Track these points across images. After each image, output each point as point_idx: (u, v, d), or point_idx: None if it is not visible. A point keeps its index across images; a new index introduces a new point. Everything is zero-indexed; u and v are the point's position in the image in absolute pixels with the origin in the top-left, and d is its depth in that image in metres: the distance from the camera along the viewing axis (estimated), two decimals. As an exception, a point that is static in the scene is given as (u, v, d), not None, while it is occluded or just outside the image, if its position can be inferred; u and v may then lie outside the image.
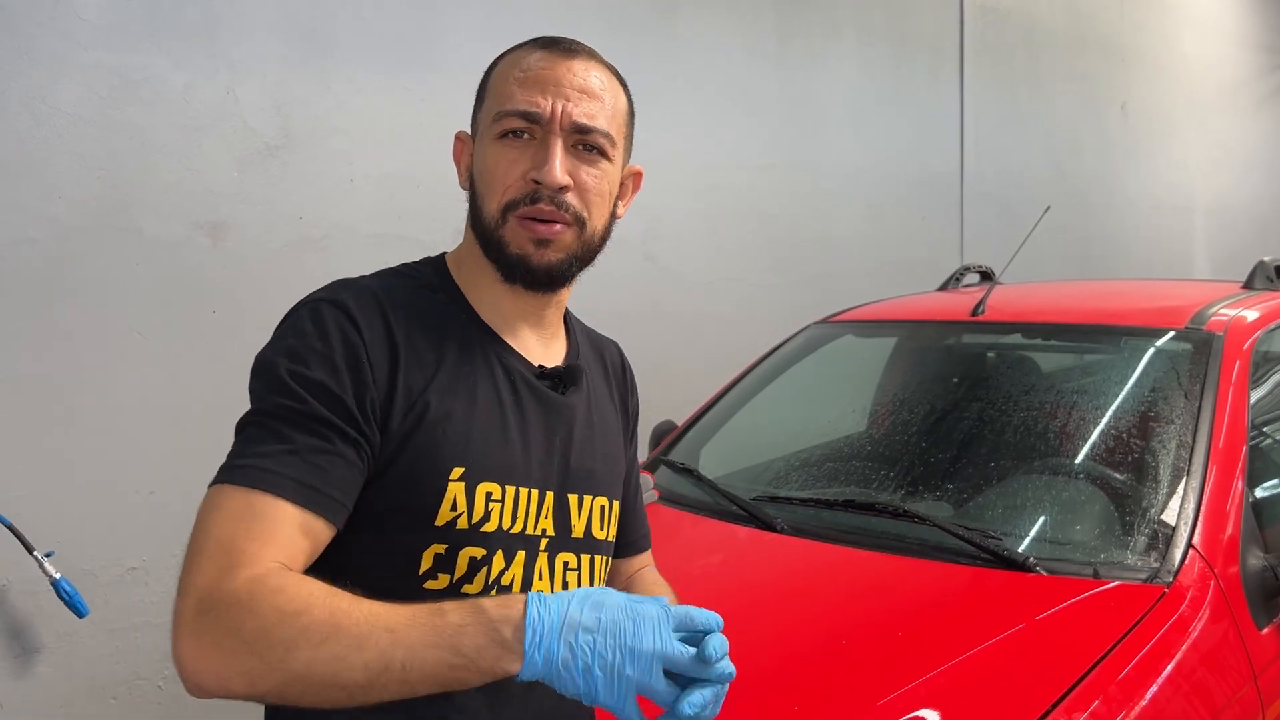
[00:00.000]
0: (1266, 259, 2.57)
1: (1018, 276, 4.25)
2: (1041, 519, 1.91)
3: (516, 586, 1.07)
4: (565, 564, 1.13)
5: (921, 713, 1.43)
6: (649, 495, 2.29)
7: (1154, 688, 1.54)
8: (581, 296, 3.84)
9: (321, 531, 0.98)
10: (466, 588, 1.04)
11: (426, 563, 1.04)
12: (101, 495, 2.48)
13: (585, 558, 1.16)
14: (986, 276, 2.99)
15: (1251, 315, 2.25)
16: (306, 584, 0.89)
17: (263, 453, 0.98)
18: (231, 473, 0.97)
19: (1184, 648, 1.61)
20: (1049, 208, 3.17)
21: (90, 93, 2.44)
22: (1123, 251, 6.27)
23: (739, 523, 2.06)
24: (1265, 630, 1.74)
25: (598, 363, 1.30)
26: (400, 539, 1.04)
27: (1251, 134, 7.84)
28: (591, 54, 1.14)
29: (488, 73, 1.16)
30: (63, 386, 2.41)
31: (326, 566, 0.99)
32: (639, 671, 0.83)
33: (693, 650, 0.85)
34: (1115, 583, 1.67)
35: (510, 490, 1.07)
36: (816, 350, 2.68)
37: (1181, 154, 6.92)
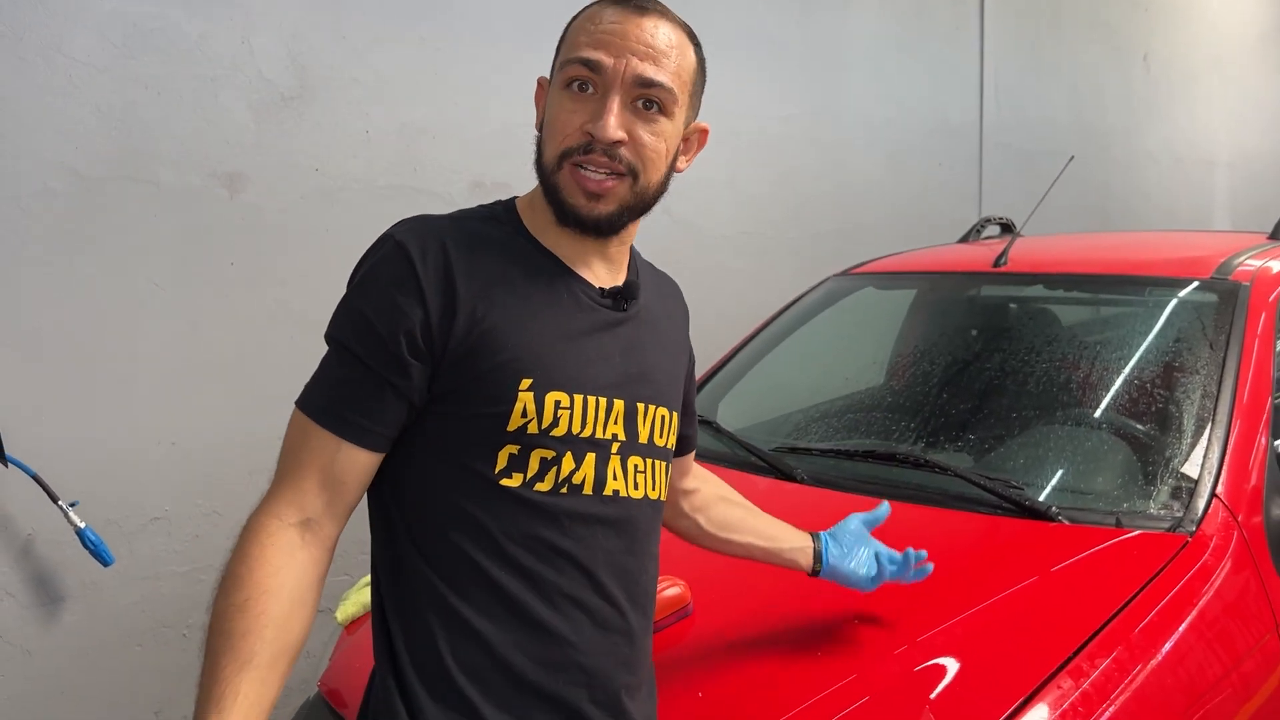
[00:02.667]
0: (1294, 209, 2.54)
1: (1035, 230, 4.22)
2: (1063, 469, 1.90)
3: (588, 486, 1.16)
4: (635, 466, 1.22)
5: (941, 660, 1.44)
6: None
7: (1176, 635, 1.54)
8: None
9: (356, 454, 1.12)
10: (539, 485, 1.14)
11: (501, 462, 1.13)
12: (123, 446, 2.51)
13: (649, 461, 1.24)
14: (1007, 229, 2.96)
15: (1278, 266, 2.22)
16: (268, 579, 1.06)
17: (317, 380, 1.16)
18: (302, 395, 1.16)
19: (1207, 596, 1.61)
20: (1073, 157, 3.12)
21: (105, 41, 2.42)
22: (1143, 204, 6.21)
23: (759, 474, 2.06)
24: (1288, 579, 1.74)
25: (660, 290, 1.37)
26: (478, 440, 1.13)
27: (1276, 88, 7.71)
28: (664, 11, 1.18)
29: (567, 27, 1.20)
30: (83, 338, 2.42)
31: (421, 455, 1.15)
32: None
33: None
34: (1138, 532, 1.67)
35: (579, 399, 1.15)
36: (837, 303, 2.67)
37: (1204, 107, 6.82)
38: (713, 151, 3.82)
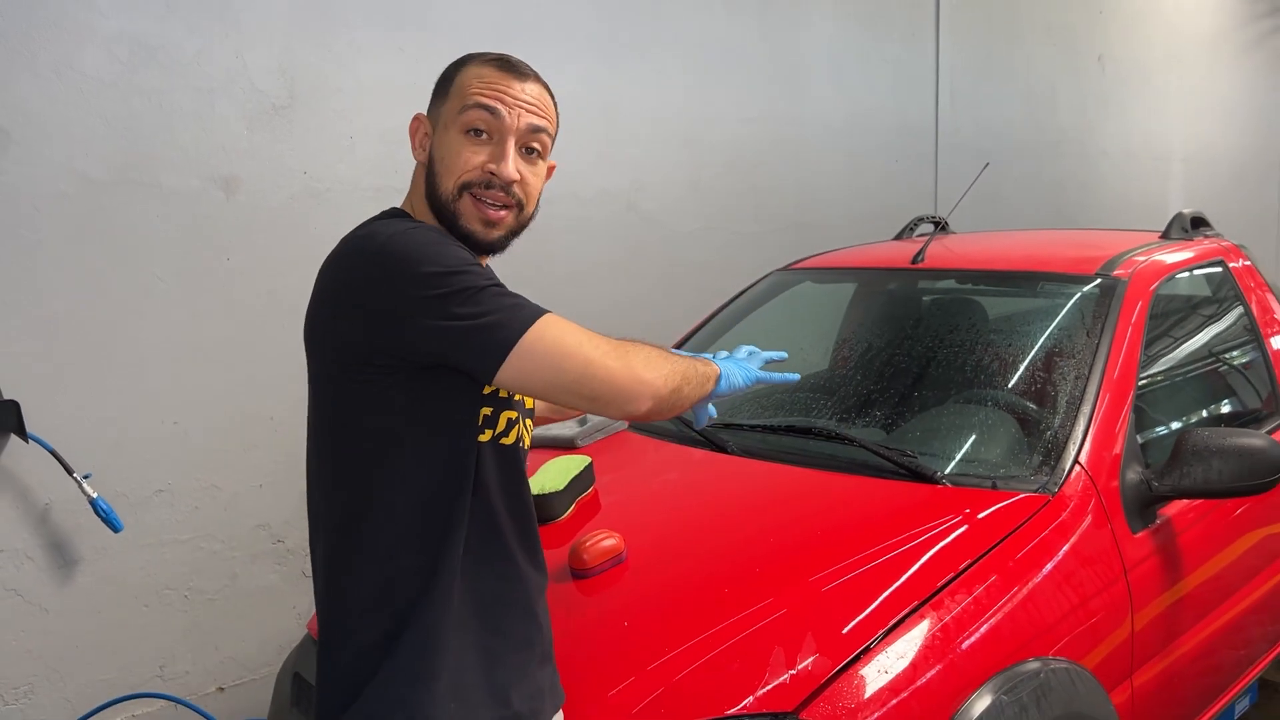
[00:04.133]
0: (1185, 211, 2.82)
1: (989, 226, 4.48)
2: (954, 440, 2.18)
3: (526, 442, 1.48)
4: (527, 426, 1.51)
5: (834, 590, 1.72)
6: (620, 424, 2.57)
7: (1037, 579, 1.83)
8: (568, 245, 4.12)
9: None
10: (503, 440, 1.40)
11: (479, 419, 1.36)
12: (131, 424, 2.76)
13: (528, 422, 1.53)
14: (939, 226, 3.23)
15: (1159, 263, 2.50)
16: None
17: (509, 303, 1.30)
18: (536, 310, 1.30)
19: (1064, 548, 1.90)
20: (988, 164, 3.40)
21: (112, 58, 2.67)
22: (1096, 200, 6.48)
23: (696, 446, 2.34)
24: (1139, 534, 2.03)
25: None
26: (466, 402, 1.35)
27: (1232, 83, 7.98)
28: (537, 77, 1.45)
29: (450, 74, 1.43)
30: (95, 326, 2.68)
31: (420, 407, 1.31)
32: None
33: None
34: (1010, 492, 1.95)
35: None
36: (777, 296, 2.94)
37: (1159, 103, 7.09)
38: (678, 152, 4.12)
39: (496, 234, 1.40)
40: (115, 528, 2.67)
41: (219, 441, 2.92)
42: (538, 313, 1.29)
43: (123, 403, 2.74)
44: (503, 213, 1.39)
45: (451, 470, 1.33)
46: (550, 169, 1.50)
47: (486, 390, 1.35)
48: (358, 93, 3.14)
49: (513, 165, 1.38)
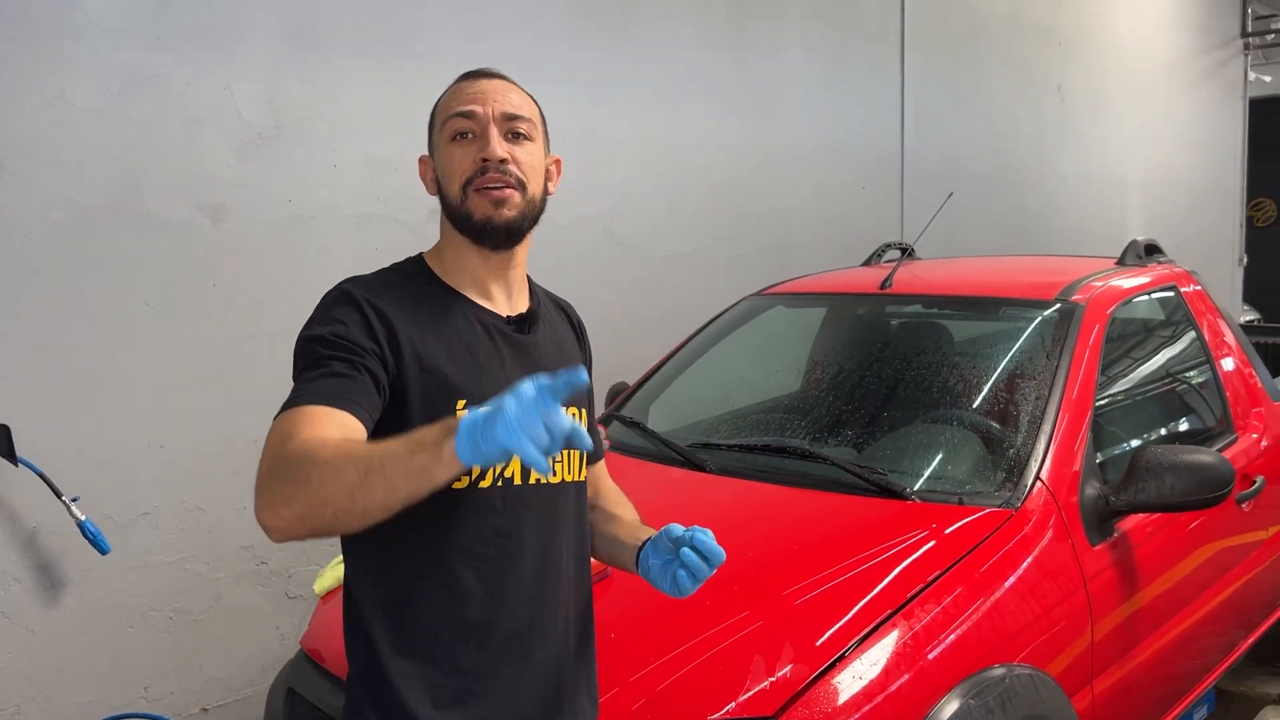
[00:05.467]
0: (1139, 238, 2.95)
1: (952, 251, 4.62)
2: (922, 458, 2.29)
3: (517, 479, 1.42)
4: (553, 459, 1.45)
5: (808, 602, 1.81)
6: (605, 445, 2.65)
7: (1001, 590, 1.93)
8: (548, 269, 4.25)
9: (350, 422, 1.27)
10: (481, 483, 1.39)
11: None
12: (119, 447, 2.80)
13: (566, 453, 1.49)
14: (906, 253, 3.34)
15: (1115, 288, 2.63)
16: (325, 432, 1.22)
17: (299, 386, 1.31)
18: (282, 406, 1.30)
19: (1027, 561, 2.00)
20: (951, 194, 3.53)
21: (103, 90, 2.74)
22: (1056, 225, 6.66)
23: (676, 466, 2.42)
24: (1098, 546, 2.13)
25: (559, 315, 1.64)
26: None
27: (1186, 111, 8.22)
28: (506, 76, 1.51)
29: (434, 108, 1.50)
30: (84, 351, 2.72)
31: None
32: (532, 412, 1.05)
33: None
34: (975, 508, 2.06)
35: None
36: (751, 320, 3.04)
37: (1117, 132, 7.30)
38: (655, 179, 4.23)
39: (508, 213, 1.43)
40: (102, 550, 2.70)
41: (204, 465, 2.97)
42: (287, 405, 1.28)
43: (110, 426, 2.79)
44: (506, 191, 1.42)
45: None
46: (556, 163, 1.55)
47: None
48: (342, 122, 3.22)
49: (497, 145, 1.42)
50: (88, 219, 2.72)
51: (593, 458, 1.70)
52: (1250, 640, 2.89)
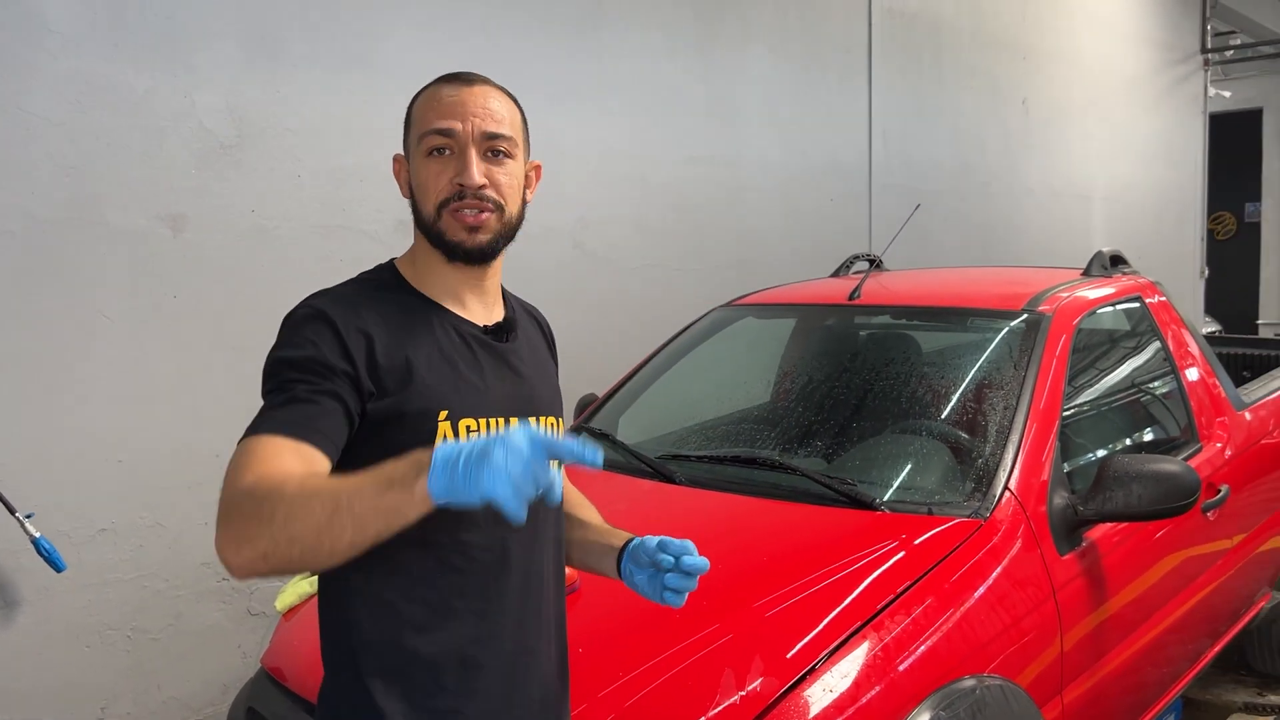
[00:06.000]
0: (1104, 249, 2.97)
1: (920, 262, 4.64)
2: (891, 468, 2.28)
3: None
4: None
5: (779, 614, 1.79)
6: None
7: (971, 600, 1.92)
8: (518, 282, 4.21)
9: (313, 455, 1.23)
10: None
11: None
12: (75, 462, 2.74)
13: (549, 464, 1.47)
14: (874, 264, 3.35)
15: (1080, 299, 2.64)
16: (289, 466, 1.18)
17: (263, 412, 1.28)
18: (246, 431, 1.26)
19: (996, 571, 1.99)
20: (919, 206, 3.55)
21: (61, 98, 2.69)
22: (1022, 237, 6.72)
23: (645, 477, 2.40)
24: (1066, 556, 2.13)
25: (531, 322, 1.62)
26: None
27: (1149, 126, 8.34)
28: (488, 81, 1.45)
29: (410, 106, 1.45)
30: (40, 364, 2.67)
31: None
32: (521, 462, 1.02)
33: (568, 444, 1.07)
34: (945, 518, 2.05)
35: (483, 421, 1.38)
36: (720, 331, 3.03)
37: (1081, 145, 7.39)
38: (623, 191, 4.22)
39: (482, 238, 1.40)
40: (58, 568, 2.64)
41: (164, 479, 2.91)
42: (249, 432, 1.25)
43: (67, 441, 2.73)
44: (482, 216, 1.39)
45: None
46: (535, 169, 1.52)
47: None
48: (305, 132, 3.18)
49: (476, 171, 1.38)
50: (44, 230, 2.67)
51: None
52: (1217, 648, 2.90)
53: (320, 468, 1.23)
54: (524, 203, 1.47)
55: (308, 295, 1.41)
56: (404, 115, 1.47)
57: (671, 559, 1.37)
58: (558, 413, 1.55)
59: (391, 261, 1.49)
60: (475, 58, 3.64)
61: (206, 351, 2.96)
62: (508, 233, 1.44)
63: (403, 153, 1.47)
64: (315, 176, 3.21)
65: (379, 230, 3.35)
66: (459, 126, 1.38)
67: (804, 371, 2.79)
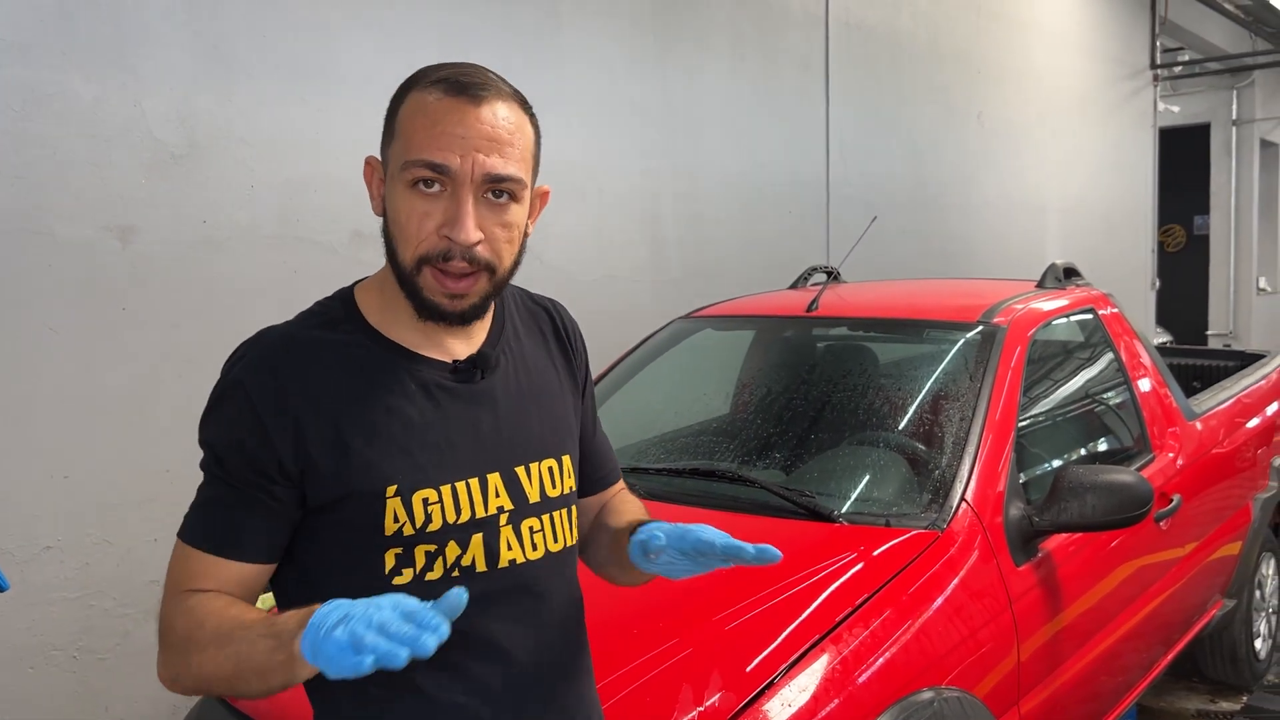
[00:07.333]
0: (1058, 261, 3.01)
1: (877, 274, 4.68)
2: (849, 480, 2.28)
3: (480, 564, 1.18)
4: (531, 529, 1.23)
5: (738, 626, 1.78)
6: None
7: (928, 612, 1.92)
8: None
9: (235, 575, 1.15)
10: (429, 575, 1.16)
11: (389, 563, 1.16)
12: (19, 479, 2.67)
13: (545, 518, 1.25)
14: (832, 276, 3.36)
15: (1035, 310, 2.67)
16: (207, 603, 1.12)
17: (193, 508, 1.20)
18: (182, 526, 1.20)
19: (953, 582, 2.00)
20: (875, 218, 3.57)
21: (4, 106, 2.62)
22: (979, 249, 6.80)
23: (602, 491, 2.38)
24: (1022, 567, 2.14)
25: (532, 328, 1.36)
26: (362, 550, 1.16)
27: (1100, 140, 8.49)
28: (498, 92, 1.17)
29: (396, 103, 1.20)
30: (-18, 378, 2.60)
31: (309, 574, 1.19)
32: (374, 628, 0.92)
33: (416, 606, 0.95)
34: (902, 530, 2.05)
35: (446, 489, 1.17)
36: (679, 343, 3.02)
37: (1035, 159, 7.50)
38: (580, 204, 4.20)
39: (465, 304, 1.17)
40: (1, 587, 2.56)
41: (112, 495, 2.84)
42: (182, 530, 1.18)
43: (10, 456, 2.66)
44: (466, 281, 1.16)
45: None
46: (542, 196, 1.28)
47: (388, 531, 1.15)
48: (258, 142, 3.14)
49: (472, 226, 1.13)
50: (-14, 240, 2.60)
51: (603, 482, 1.44)
52: (1170, 656, 2.94)
53: (248, 584, 1.16)
54: (523, 245, 1.23)
55: (246, 340, 1.23)
56: (385, 115, 1.24)
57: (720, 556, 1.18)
58: (560, 450, 1.29)
59: (351, 289, 1.26)
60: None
61: (156, 364, 2.90)
62: (496, 290, 1.21)
63: (379, 157, 1.21)
64: (268, 187, 3.16)
65: (333, 241, 3.31)
66: (456, 164, 1.12)
67: (763, 383, 2.79)
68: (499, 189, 1.15)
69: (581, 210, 4.22)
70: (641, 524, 1.25)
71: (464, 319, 1.19)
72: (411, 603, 0.94)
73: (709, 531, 1.18)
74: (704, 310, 3.17)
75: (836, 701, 1.68)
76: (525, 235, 1.23)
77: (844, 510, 2.13)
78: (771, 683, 1.66)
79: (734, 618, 1.80)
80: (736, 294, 3.62)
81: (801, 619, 1.78)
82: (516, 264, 1.22)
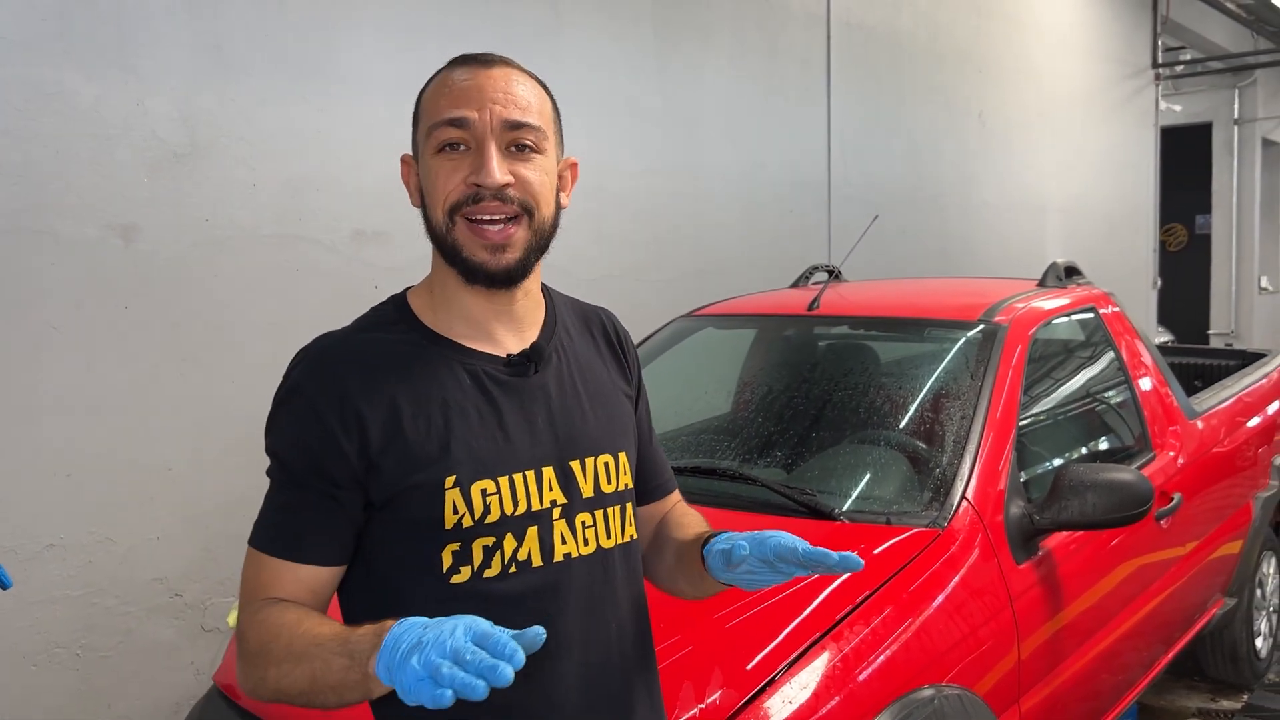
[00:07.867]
0: (1059, 260, 3.01)
1: (878, 273, 4.68)
2: (850, 479, 2.29)
3: (536, 558, 1.18)
4: (583, 523, 1.23)
5: (741, 624, 1.78)
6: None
7: (929, 610, 1.93)
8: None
9: (308, 579, 1.17)
10: (487, 572, 1.16)
11: (447, 560, 1.16)
12: (22, 476, 2.68)
13: (599, 513, 1.24)
14: (833, 275, 3.37)
15: (1036, 309, 2.67)
16: (280, 615, 1.13)
17: (263, 513, 1.21)
18: (251, 533, 1.21)
19: (954, 580, 2.00)
20: (876, 216, 3.58)
21: (6, 105, 2.63)
22: (979, 249, 6.80)
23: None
24: (1023, 565, 2.15)
25: (583, 330, 1.37)
26: (422, 545, 1.16)
27: (1101, 139, 8.49)
28: (509, 62, 1.23)
29: (419, 97, 1.25)
30: (-16, 377, 2.61)
31: (371, 575, 1.20)
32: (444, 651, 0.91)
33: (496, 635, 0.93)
34: (903, 528, 2.05)
35: (504, 480, 1.18)
36: (681, 341, 3.03)
37: (1035, 159, 7.50)
38: (580, 202, 4.17)
39: (510, 257, 1.18)
40: (4, 585, 2.54)
41: (114, 494, 2.85)
42: (253, 536, 1.20)
43: (13, 455, 2.66)
44: (507, 229, 1.17)
45: None
46: (571, 167, 1.30)
47: (448, 525, 1.16)
48: (260, 140, 3.14)
49: (497, 168, 1.15)
50: (-11, 239, 2.61)
51: (660, 490, 1.45)
52: (1170, 655, 2.94)
53: (319, 589, 1.18)
54: (559, 207, 1.24)
55: (303, 346, 1.24)
56: (413, 114, 1.27)
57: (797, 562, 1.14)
58: (615, 446, 1.29)
59: (405, 292, 1.28)
60: (432, 68, 3.61)
61: (158, 363, 2.91)
62: (540, 244, 1.21)
63: (411, 154, 1.25)
64: (270, 186, 3.16)
65: (335, 240, 3.31)
66: (474, 115, 1.16)
67: (764, 382, 2.79)
68: (521, 140, 1.18)
69: (582, 210, 4.21)
70: (715, 534, 1.25)
71: (510, 276, 1.19)
72: (483, 625, 0.93)
73: (788, 538, 1.15)
74: (705, 309, 3.18)
75: (837, 699, 1.68)
76: (560, 204, 1.25)
77: (845, 508, 2.14)
78: (772, 680, 1.66)
79: (734, 615, 1.80)
80: (737, 293, 3.63)
81: (802, 616, 1.79)
82: (555, 221, 1.23)
